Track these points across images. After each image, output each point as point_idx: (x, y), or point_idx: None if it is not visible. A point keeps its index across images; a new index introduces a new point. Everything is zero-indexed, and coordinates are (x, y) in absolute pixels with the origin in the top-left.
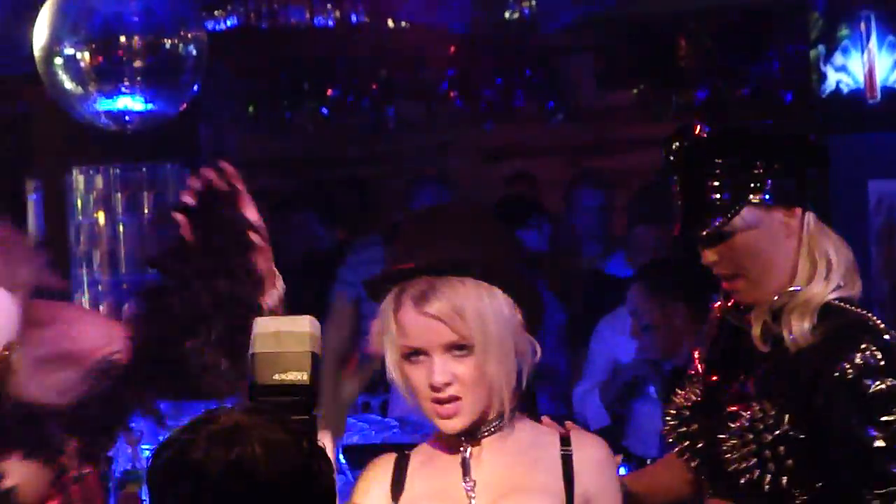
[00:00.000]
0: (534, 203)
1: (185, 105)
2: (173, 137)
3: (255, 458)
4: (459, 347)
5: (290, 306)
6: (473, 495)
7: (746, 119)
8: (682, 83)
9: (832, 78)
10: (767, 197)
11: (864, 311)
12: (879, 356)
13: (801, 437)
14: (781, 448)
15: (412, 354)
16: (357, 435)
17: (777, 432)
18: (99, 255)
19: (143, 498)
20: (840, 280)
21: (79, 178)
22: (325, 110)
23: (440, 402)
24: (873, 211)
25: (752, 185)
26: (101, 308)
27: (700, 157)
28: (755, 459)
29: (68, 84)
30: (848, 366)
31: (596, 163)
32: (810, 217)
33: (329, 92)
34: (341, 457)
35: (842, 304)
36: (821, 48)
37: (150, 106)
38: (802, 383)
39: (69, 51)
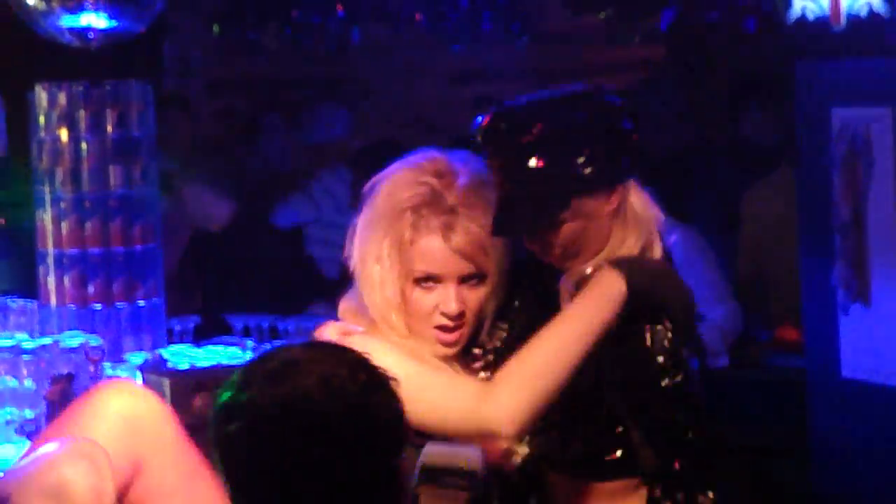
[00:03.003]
0: None
1: (149, 23)
2: (138, 55)
3: (308, 392)
4: (475, 277)
5: (253, 224)
6: None
7: (714, 45)
8: (648, 8)
9: (798, 4)
10: (590, 185)
11: None
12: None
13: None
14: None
15: (424, 279)
16: None
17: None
18: (61, 171)
19: None
20: (637, 248)
21: (41, 95)
22: (289, 31)
23: (446, 328)
24: (836, 137)
25: (576, 177)
26: (62, 226)
27: (518, 151)
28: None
29: (32, 0)
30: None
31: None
32: (626, 190)
33: (294, 13)
34: None
35: None
36: None
37: (113, 23)
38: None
39: None
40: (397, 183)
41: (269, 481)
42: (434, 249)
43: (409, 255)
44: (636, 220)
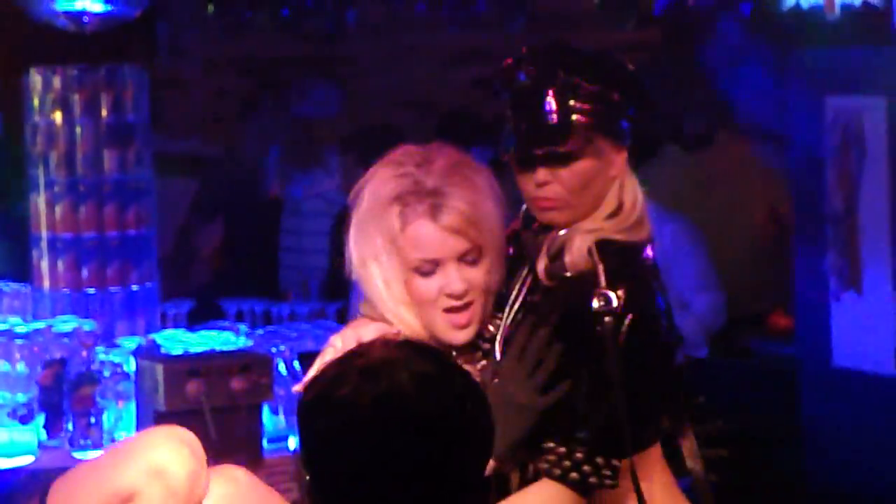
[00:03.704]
0: (478, 123)
1: (144, 7)
2: (132, 38)
3: (404, 391)
4: (472, 253)
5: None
6: None
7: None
8: None
9: None
10: (615, 130)
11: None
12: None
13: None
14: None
15: (424, 266)
16: (312, 341)
17: None
18: (56, 156)
19: (97, 400)
20: (629, 223)
21: (36, 79)
22: (285, 11)
23: (455, 310)
24: (829, 127)
25: (609, 115)
26: (56, 210)
27: (564, 74)
28: None
29: None
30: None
31: None
32: (626, 160)
33: None
34: (296, 363)
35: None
36: None
37: (108, 7)
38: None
39: None
40: (377, 182)
41: (358, 479)
42: (426, 233)
43: (403, 245)
44: (633, 193)
